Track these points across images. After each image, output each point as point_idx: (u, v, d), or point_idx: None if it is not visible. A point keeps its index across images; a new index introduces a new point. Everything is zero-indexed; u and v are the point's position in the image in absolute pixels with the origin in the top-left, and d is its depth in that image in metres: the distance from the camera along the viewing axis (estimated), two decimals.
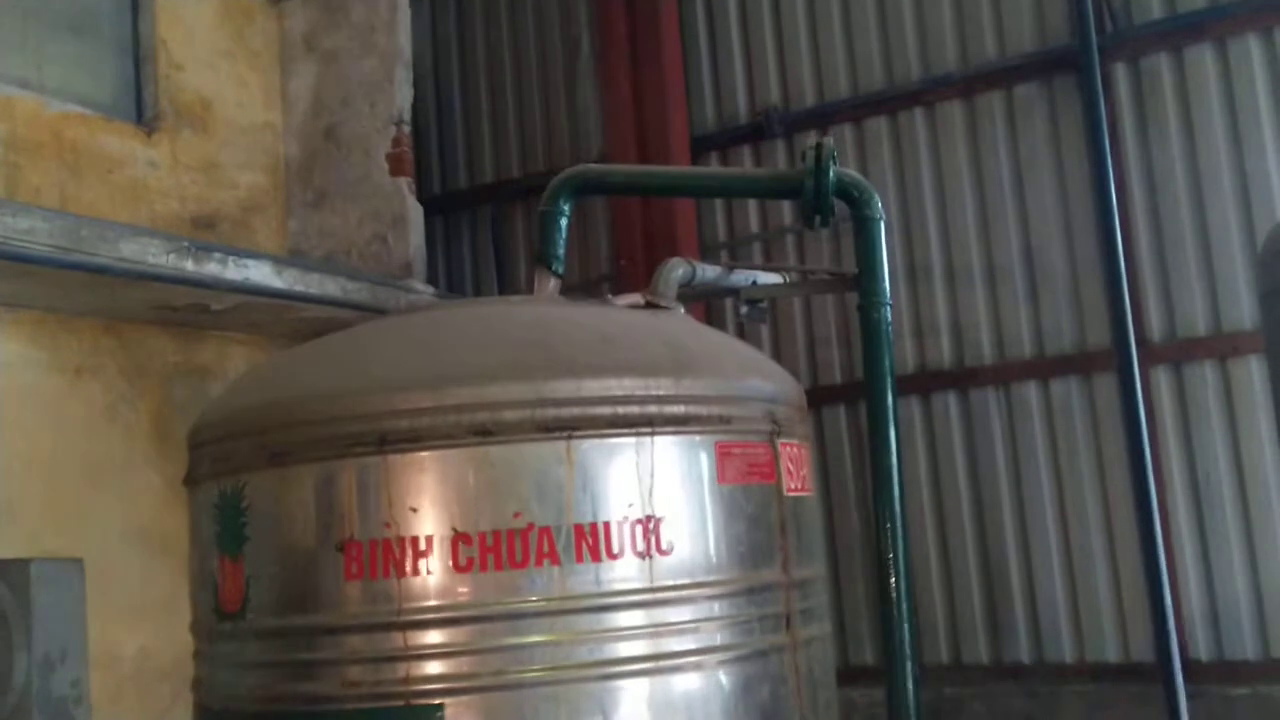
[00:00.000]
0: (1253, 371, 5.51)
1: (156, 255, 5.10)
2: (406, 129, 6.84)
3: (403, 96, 6.84)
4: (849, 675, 5.63)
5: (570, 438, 2.81)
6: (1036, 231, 6.06)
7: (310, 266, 6.03)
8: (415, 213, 6.82)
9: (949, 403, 6.17)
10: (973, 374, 6.13)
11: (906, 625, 3.37)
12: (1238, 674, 5.41)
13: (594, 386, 2.87)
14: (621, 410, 2.87)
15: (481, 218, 7.58)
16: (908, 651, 3.35)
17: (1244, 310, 5.56)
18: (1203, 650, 5.49)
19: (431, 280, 6.96)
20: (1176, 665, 5.34)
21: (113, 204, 5.87)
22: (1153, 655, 5.57)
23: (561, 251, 3.61)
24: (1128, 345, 5.63)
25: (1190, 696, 5.33)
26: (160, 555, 5.76)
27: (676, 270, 3.52)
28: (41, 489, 5.30)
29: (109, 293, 5.24)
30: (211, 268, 5.35)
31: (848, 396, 6.38)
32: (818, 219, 3.54)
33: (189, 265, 5.25)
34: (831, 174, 3.43)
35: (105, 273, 4.89)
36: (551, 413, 2.82)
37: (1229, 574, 5.49)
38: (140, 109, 6.24)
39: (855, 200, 3.49)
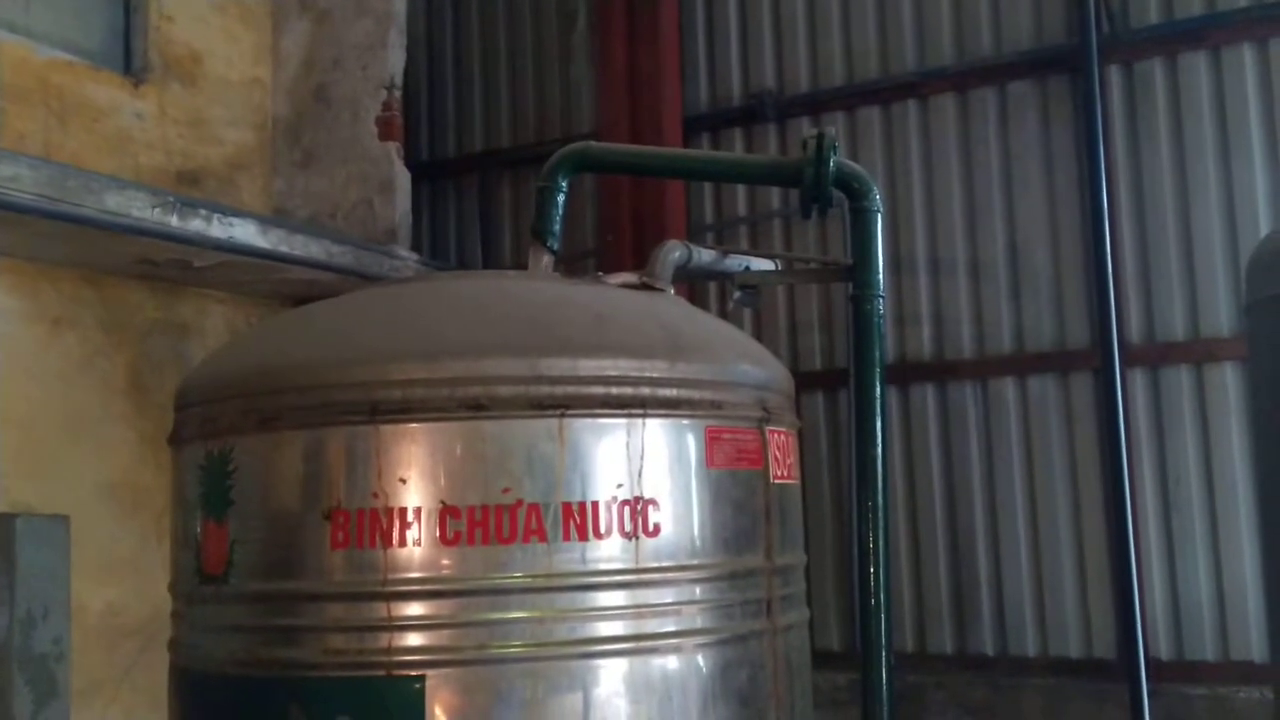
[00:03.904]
0: (1228, 378, 5.58)
1: (141, 209, 5.05)
2: (397, 94, 6.79)
3: (395, 60, 6.79)
4: (814, 659, 5.67)
5: (563, 416, 2.80)
6: (1022, 229, 6.10)
7: (295, 228, 5.99)
8: (403, 178, 6.79)
9: (927, 395, 6.22)
10: (952, 367, 6.18)
11: (884, 614, 3.40)
12: (1197, 674, 5.51)
13: (589, 366, 2.86)
14: (615, 391, 2.87)
15: (468, 186, 7.54)
16: (884, 640, 3.38)
17: (1222, 317, 5.63)
18: (1164, 649, 5.59)
19: (416, 247, 6.93)
20: (1141, 663, 5.42)
21: (97, 154, 5.80)
22: (1114, 652, 5.67)
23: (558, 228, 3.59)
24: (1110, 346, 5.69)
25: (1150, 694, 5.42)
26: (131, 512, 5.74)
27: (674, 252, 3.51)
28: (15, 440, 5.26)
29: (91, 244, 5.19)
30: (196, 224, 5.31)
31: (827, 384, 6.42)
32: (815, 208, 3.54)
33: (174, 221, 5.21)
34: (832, 164, 3.42)
35: (89, 225, 4.84)
36: (545, 390, 2.81)
37: (1193, 576, 5.59)
38: (129, 59, 6.16)
39: (854, 192, 3.48)
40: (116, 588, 5.59)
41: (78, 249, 5.28)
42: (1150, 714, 5.40)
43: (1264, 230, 5.44)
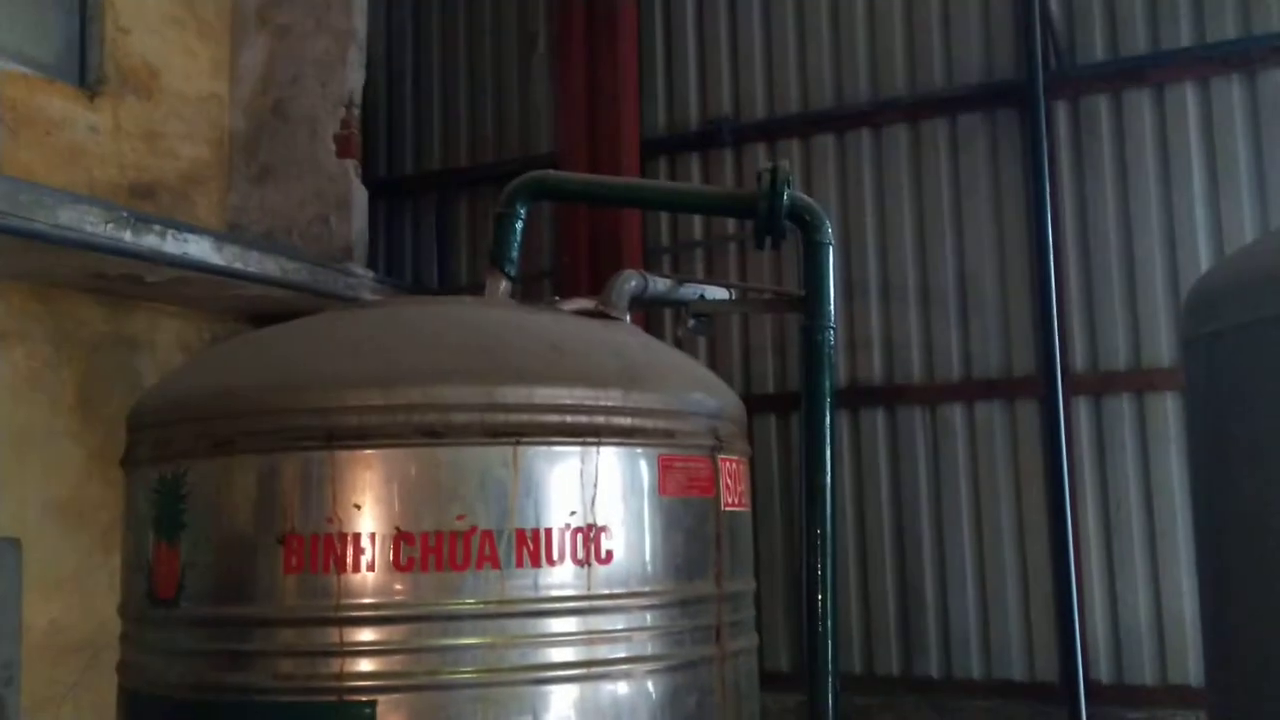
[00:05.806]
0: (1168, 407, 5.72)
1: (95, 224, 5.01)
2: (356, 111, 6.79)
3: (354, 78, 6.80)
4: (763, 681, 5.73)
5: (517, 443, 2.84)
6: (971, 257, 6.21)
7: (250, 244, 5.97)
8: (359, 196, 6.79)
9: (877, 419, 6.30)
10: (901, 392, 6.27)
11: (830, 640, 3.47)
12: (1136, 697, 5.62)
13: (544, 394, 2.90)
14: (569, 419, 2.91)
15: (426, 205, 7.54)
16: (830, 666, 3.44)
17: (1163, 348, 5.77)
18: (1104, 673, 5.70)
19: (372, 265, 6.93)
20: (1081, 686, 5.53)
21: (50, 167, 5.75)
22: (1056, 675, 5.77)
23: (515, 254, 3.64)
24: (1054, 375, 5.80)
25: (1090, 717, 5.53)
26: (77, 529, 5.67)
27: (630, 282, 3.57)
28: None
29: (42, 258, 5.13)
30: (150, 240, 5.27)
31: (779, 407, 6.49)
32: (769, 239, 3.61)
33: (127, 236, 5.17)
34: (786, 198, 3.50)
35: (42, 240, 4.80)
36: (500, 418, 2.84)
37: (1133, 601, 5.70)
38: (84, 71, 6.11)
39: (807, 224, 3.56)
40: (61, 604, 5.52)
41: (28, 263, 5.22)
42: None
43: (1204, 263, 5.60)
